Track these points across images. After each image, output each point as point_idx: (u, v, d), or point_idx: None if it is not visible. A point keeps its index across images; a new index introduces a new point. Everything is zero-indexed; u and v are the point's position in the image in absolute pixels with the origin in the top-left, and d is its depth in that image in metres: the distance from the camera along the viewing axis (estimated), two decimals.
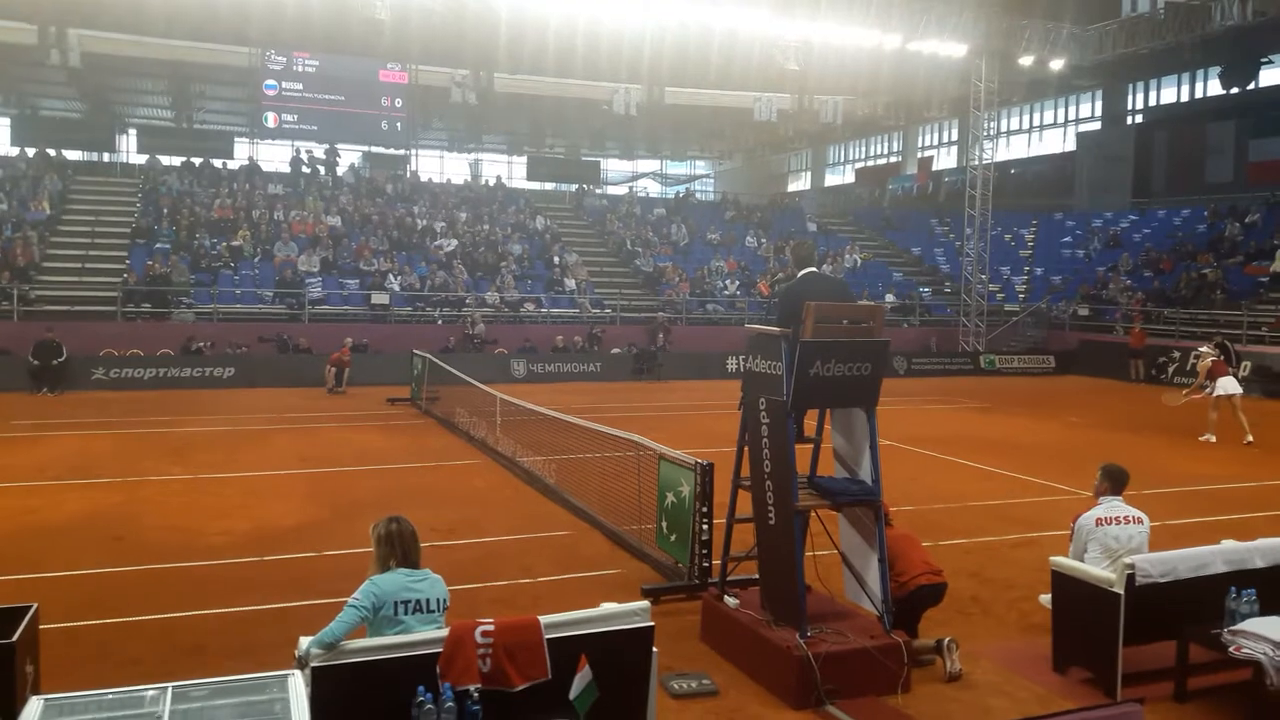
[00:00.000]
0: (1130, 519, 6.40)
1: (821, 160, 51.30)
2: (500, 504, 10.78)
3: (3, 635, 4.53)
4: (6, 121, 33.48)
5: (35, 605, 4.90)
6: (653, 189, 49.60)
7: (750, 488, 6.29)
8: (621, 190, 44.31)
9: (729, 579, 6.54)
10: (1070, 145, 38.04)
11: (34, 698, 3.56)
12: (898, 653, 5.71)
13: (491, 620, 4.48)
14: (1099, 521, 6.36)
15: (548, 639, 4.51)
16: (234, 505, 10.49)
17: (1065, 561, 6.25)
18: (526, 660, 4.48)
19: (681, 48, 29.13)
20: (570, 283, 29.02)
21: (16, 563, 8.14)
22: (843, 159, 50.72)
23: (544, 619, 4.56)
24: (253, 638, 6.49)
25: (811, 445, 6.54)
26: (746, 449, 6.34)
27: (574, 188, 38.88)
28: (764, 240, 34.78)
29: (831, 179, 51.11)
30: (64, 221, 27.41)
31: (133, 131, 35.51)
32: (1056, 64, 29.96)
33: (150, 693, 3.60)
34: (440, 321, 25.87)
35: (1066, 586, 6.09)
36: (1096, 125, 37.22)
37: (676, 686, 5.68)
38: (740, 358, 20.11)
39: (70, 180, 29.90)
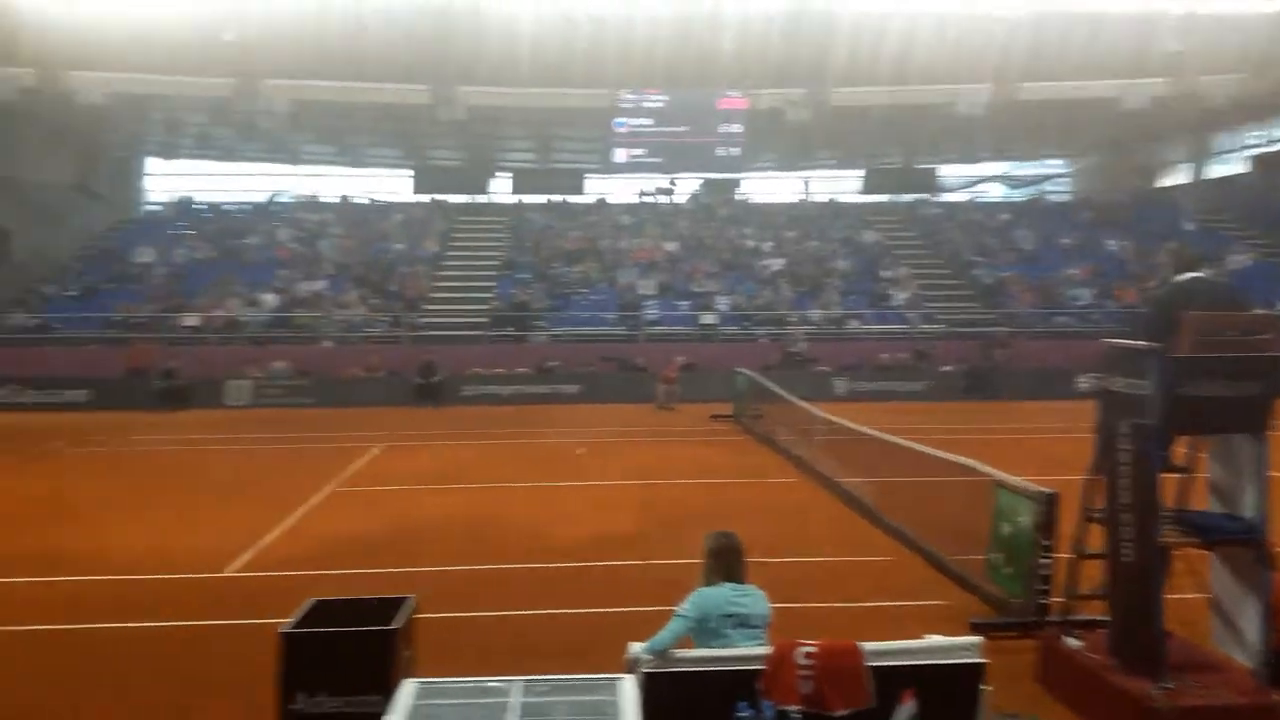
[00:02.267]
0: None
1: (1205, 149, 45.26)
2: (818, 524, 10.70)
3: (387, 622, 5.15)
4: (408, 174, 38.67)
5: (413, 597, 5.52)
6: (998, 192, 46.69)
7: (1103, 520, 5.70)
8: (961, 197, 42.20)
9: (1071, 618, 5.97)
10: None
11: (408, 680, 3.96)
12: (1274, 715, 4.91)
13: (814, 642, 4.43)
14: None
15: (870, 666, 4.39)
16: (577, 512, 11.29)
17: None
18: (848, 686, 4.38)
19: (1037, 38, 27.17)
20: (899, 297, 28.15)
21: (398, 557, 9.34)
22: (1233, 147, 44.46)
23: (866, 646, 4.44)
24: (586, 638, 6.90)
25: (1180, 475, 5.81)
26: (1099, 478, 5.76)
27: (909, 198, 37.69)
28: (1128, 243, 31.48)
29: (1216, 170, 44.96)
30: (447, 257, 31.17)
31: (504, 175, 39.60)
32: None
33: (503, 684, 3.89)
34: (764, 339, 26.18)
35: None
36: None
37: None
38: (1093, 376, 18.34)
39: (453, 221, 33.95)
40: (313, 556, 9.38)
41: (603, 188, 38.19)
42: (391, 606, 5.31)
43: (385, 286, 28.19)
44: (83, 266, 29.17)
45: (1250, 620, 5.29)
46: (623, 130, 33.92)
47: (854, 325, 26.93)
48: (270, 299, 26.90)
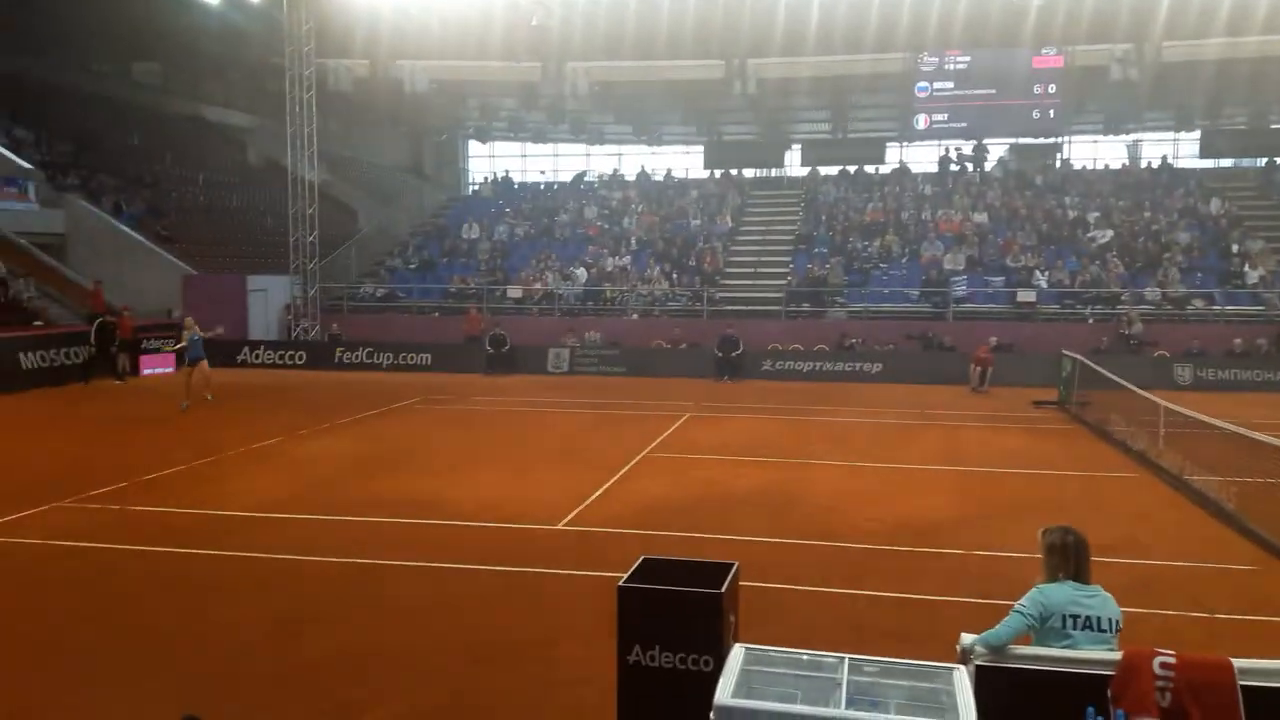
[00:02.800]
0: None
1: None
2: (1164, 524, 9.82)
3: (711, 585, 5.33)
4: (700, 149, 39.46)
5: (737, 564, 5.66)
6: None
7: None
8: None
9: None
10: None
11: (738, 645, 4.09)
12: None
13: (1172, 652, 4.10)
14: None
15: (1242, 685, 3.98)
16: (884, 494, 11.12)
17: None
18: (1215, 704, 4.01)
19: None
20: (1253, 275, 24.84)
21: (708, 523, 9.69)
22: None
23: (1237, 663, 4.03)
24: (904, 623, 6.83)
25: None
26: None
27: (1261, 162, 33.10)
28: None
29: None
30: (741, 232, 31.57)
31: (797, 147, 39.31)
32: None
33: (831, 660, 3.91)
34: (1091, 320, 24.19)
35: None
36: None
37: None
38: None
39: (747, 195, 34.29)
40: (633, 516, 9.94)
41: (904, 156, 36.86)
42: (715, 570, 5.46)
43: (684, 261, 29.01)
44: (418, 242, 32.42)
45: None
46: (924, 95, 32.50)
47: (1197, 306, 24.14)
48: (581, 273, 28.61)
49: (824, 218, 31.34)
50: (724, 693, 3.58)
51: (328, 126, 29.89)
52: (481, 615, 7.16)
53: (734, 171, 36.24)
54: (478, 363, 24.47)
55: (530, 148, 43.50)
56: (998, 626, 4.37)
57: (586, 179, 38.06)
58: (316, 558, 8.46)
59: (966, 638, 4.36)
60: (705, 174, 36.99)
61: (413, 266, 30.59)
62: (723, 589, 5.26)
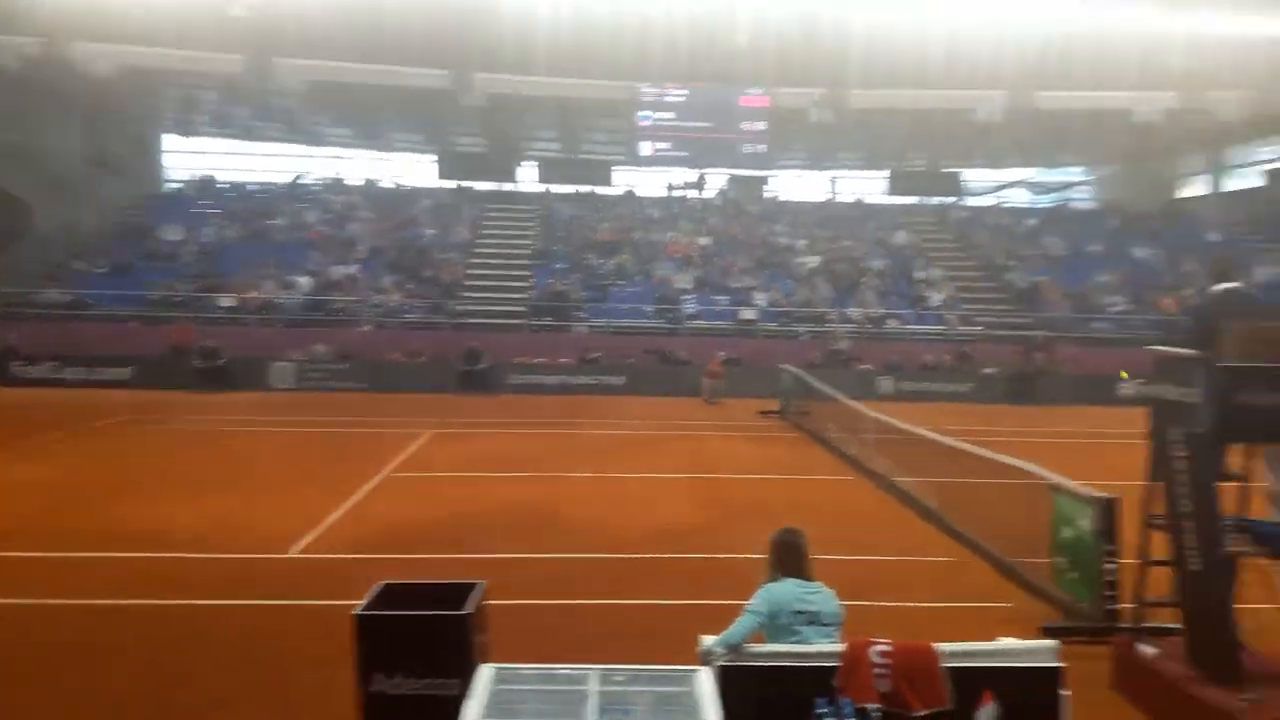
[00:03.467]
0: None
1: (1220, 162, 44.84)
2: (877, 523, 10.72)
3: (457, 606, 5.20)
4: (432, 159, 38.72)
5: (484, 582, 5.58)
6: (1023, 198, 46.32)
7: (1166, 528, 5.71)
8: (987, 201, 41.97)
9: (1143, 625, 5.97)
10: None
11: (485, 665, 4.00)
12: None
13: (888, 641, 4.46)
14: None
15: (944, 667, 4.41)
16: (634, 503, 11.40)
17: None
18: (925, 686, 4.41)
19: (1050, 48, 27.19)
20: (935, 298, 28.02)
21: (457, 543, 9.48)
22: (1248, 160, 43.93)
23: (942, 646, 4.46)
24: (653, 628, 6.97)
25: (1239, 484, 5.81)
26: (1159, 484, 5.77)
27: (935, 201, 37.52)
28: (1156, 251, 31.22)
29: (1234, 184, 44.50)
30: (479, 245, 31.31)
31: (531, 163, 39.64)
32: None
33: (580, 672, 3.92)
34: (805, 337, 26.18)
35: None
36: None
37: None
38: (1139, 382, 18.23)
39: (482, 208, 34.05)
40: (373, 540, 9.51)
41: (631, 180, 38.20)
42: (461, 591, 5.33)
43: (420, 272, 28.35)
44: (111, 243, 29.38)
45: None
46: (647, 123, 33.93)
47: (893, 325, 26.84)
48: (304, 281, 27.12)
49: (561, 234, 31.79)
50: (470, 714, 3.50)
51: None
52: (207, 655, 6.55)
53: (467, 184, 35.81)
54: (185, 377, 22.50)
55: (239, 144, 40.39)
56: (732, 627, 4.55)
57: (303, 182, 36.08)
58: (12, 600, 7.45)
59: (706, 640, 4.51)
60: (437, 184, 36.29)
61: (103, 270, 27.52)
62: (469, 610, 5.14)
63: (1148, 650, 5.80)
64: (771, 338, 26.12)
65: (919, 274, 29.70)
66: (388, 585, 5.41)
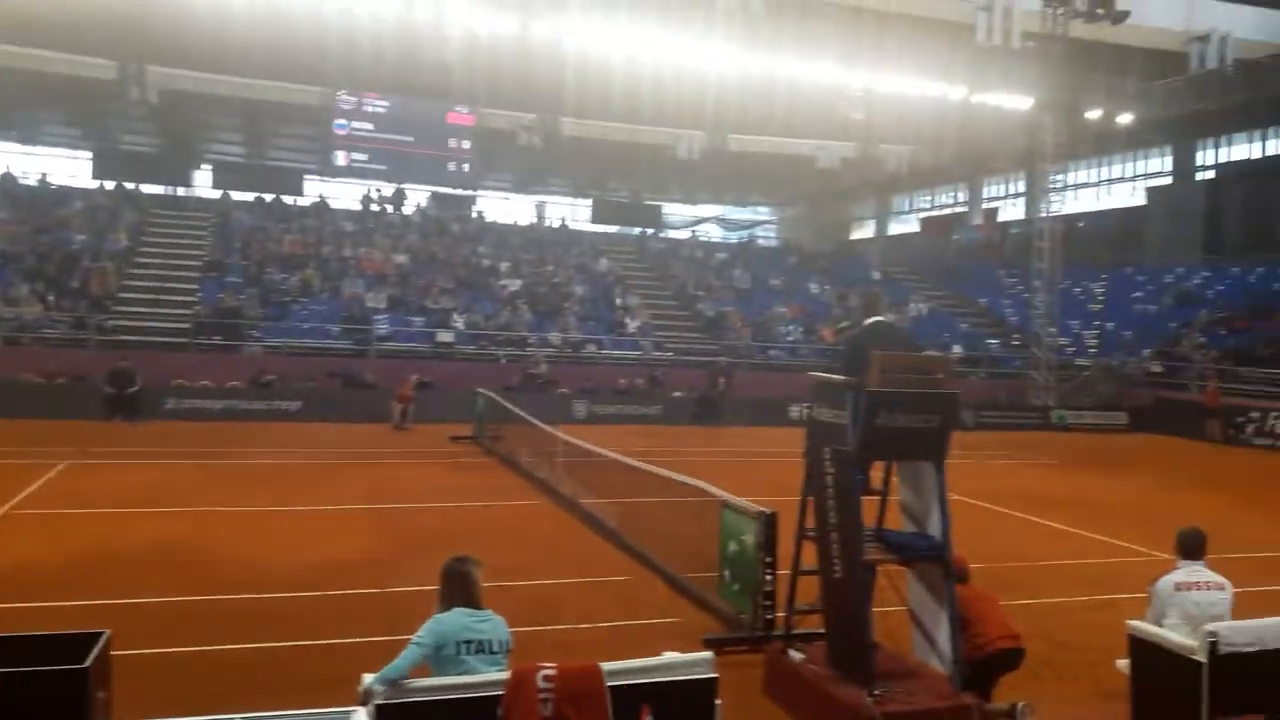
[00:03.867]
0: (1211, 585, 6.05)
1: (886, 209, 51.03)
2: (561, 546, 10.76)
3: (76, 660, 4.58)
4: (88, 155, 34.77)
5: (108, 632, 4.95)
6: (715, 234, 49.76)
7: (815, 539, 6.18)
8: (683, 234, 44.61)
9: (794, 632, 6.40)
10: (1139, 199, 37.26)
11: None
12: (968, 715, 5.51)
13: (554, 665, 4.41)
14: (1178, 586, 6.03)
15: (609, 686, 4.43)
16: (301, 539, 10.64)
17: (1144, 627, 5.94)
18: (589, 707, 4.39)
19: (745, 95, 29.40)
20: (632, 324, 29.15)
21: (90, 588, 8.34)
22: (908, 208, 50.40)
23: (606, 666, 4.48)
24: (318, 671, 6.50)
25: (878, 498, 6.42)
26: (811, 499, 6.24)
27: (637, 231, 39.24)
28: (827, 287, 34.60)
29: (896, 228, 50.77)
30: (140, 253, 28.34)
31: (208, 167, 36.71)
32: (1124, 119, 29.61)
33: None
34: (504, 360, 26.14)
35: (1146, 653, 5.79)
36: (1167, 180, 36.47)
37: None
38: (804, 405, 19.93)
39: (147, 213, 30.94)
40: None
41: (323, 191, 36.51)
42: (82, 642, 4.75)
43: (65, 282, 25.18)
44: None
45: (943, 631, 5.90)
46: (344, 133, 32.80)
47: (591, 350, 27.51)
48: None
49: (238, 245, 29.59)
50: None
51: None
52: None
53: (130, 185, 32.47)
54: None
55: None
56: (394, 661, 4.33)
57: None
58: None
59: (367, 678, 4.25)
60: (94, 184, 32.58)
61: None
62: (87, 663, 4.57)
63: (795, 655, 6.21)
64: (469, 361, 25.81)
65: (618, 301, 30.74)
66: None
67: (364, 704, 4.14)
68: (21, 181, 31.77)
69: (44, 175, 32.94)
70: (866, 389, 5.67)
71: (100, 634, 4.89)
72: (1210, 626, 5.47)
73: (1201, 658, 5.33)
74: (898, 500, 6.45)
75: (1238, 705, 5.43)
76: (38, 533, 10.37)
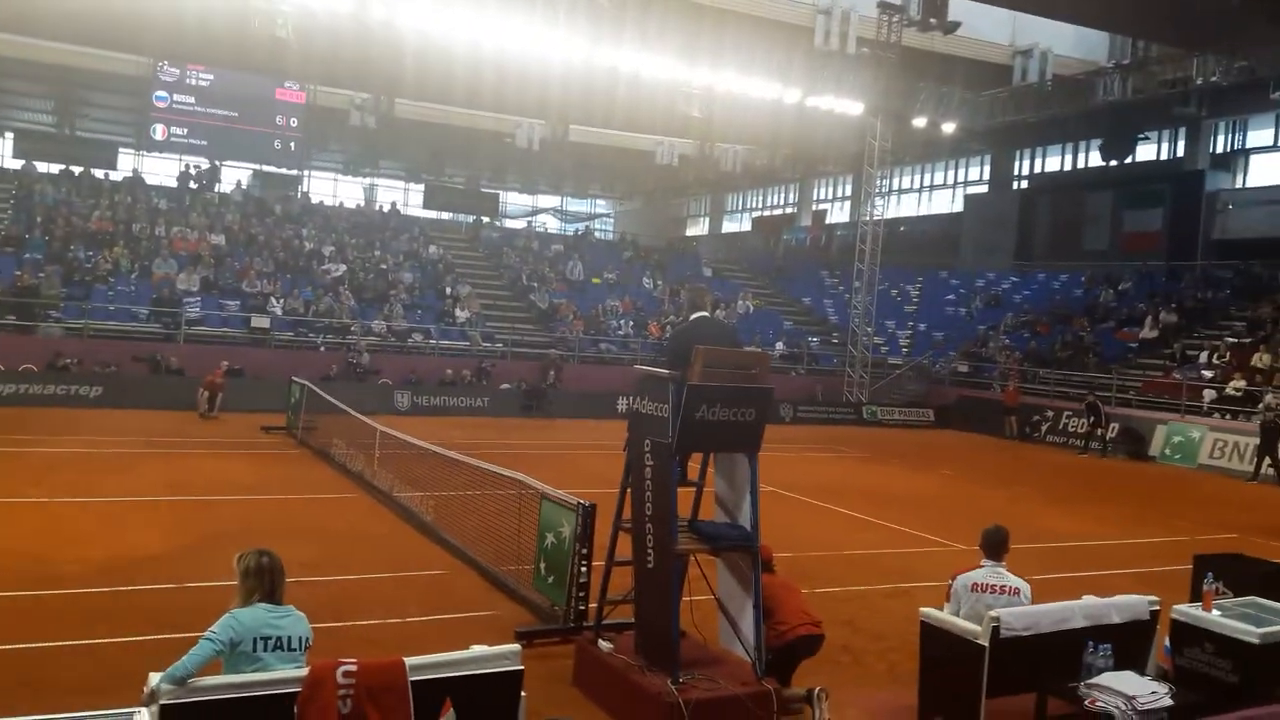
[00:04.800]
0: (1008, 589, 6.24)
1: (720, 207, 52.41)
2: (373, 540, 10.50)
3: None
4: None
5: None
6: (552, 225, 49.69)
7: (631, 530, 6.27)
8: (520, 224, 44.29)
9: (605, 623, 6.48)
10: (958, 206, 39.49)
11: None
12: (768, 700, 5.73)
13: (354, 660, 4.32)
14: (974, 587, 6.27)
15: (412, 681, 4.36)
16: (91, 532, 9.98)
17: (934, 613, 6.30)
18: (389, 703, 4.32)
19: (588, 87, 29.38)
20: (462, 314, 28.69)
21: None
22: (741, 207, 51.90)
23: (409, 660, 4.41)
24: (103, 672, 6.14)
25: (694, 489, 6.58)
26: (630, 490, 6.33)
27: (471, 219, 38.67)
28: (660, 282, 35.18)
29: (729, 226, 52.21)
30: None
31: (9, 135, 33.76)
32: (948, 127, 31.38)
33: None
34: (323, 348, 25.17)
35: (934, 638, 6.20)
36: (984, 188, 38.70)
37: None
38: (629, 398, 20.21)
39: None
40: None
41: (140, 165, 34.30)
42: None
43: None
44: None
45: (747, 619, 6.11)
46: (164, 105, 30.87)
47: (417, 339, 26.87)
48: None
49: (40, 220, 27.31)
50: None
51: None
52: None
53: None
54: None
55: None
56: (182, 658, 4.12)
57: None
58: None
59: (154, 677, 4.04)
60: None
61: None
62: None
63: (604, 645, 6.29)
64: (286, 348, 24.68)
65: (448, 289, 30.17)
66: None
67: (148, 704, 3.96)
68: None
69: None
70: (687, 383, 5.78)
71: None
72: (994, 612, 5.88)
73: (984, 641, 5.76)
74: (713, 491, 6.62)
75: (1014, 685, 5.91)
76: None
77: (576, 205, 55.53)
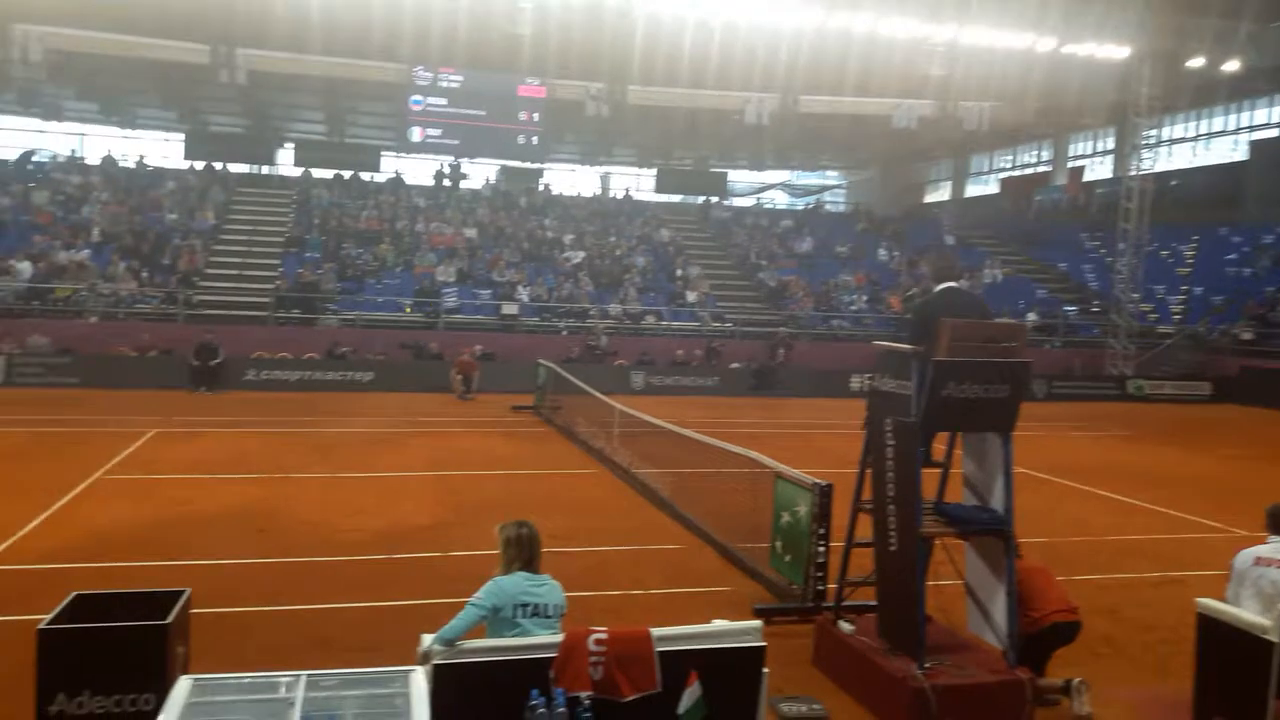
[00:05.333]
0: None
1: (964, 170, 49.57)
2: (615, 514, 10.92)
3: (158, 617, 4.85)
4: (181, 137, 35.94)
5: (188, 590, 5.22)
6: (781, 200, 49.13)
7: (871, 511, 6.15)
8: (748, 202, 44.12)
9: (844, 604, 6.42)
10: (1241, 154, 35.13)
11: (183, 677, 3.74)
12: (1020, 690, 5.49)
13: (605, 629, 4.51)
14: (1258, 560, 5.75)
15: (658, 651, 4.51)
16: (368, 504, 10.99)
17: (1213, 604, 5.77)
18: (637, 671, 4.49)
19: (819, 54, 28.74)
20: (692, 296, 29.11)
21: (171, 549, 8.76)
22: (986, 169, 48.90)
23: (655, 631, 4.56)
24: (379, 632, 6.76)
25: (939, 470, 6.36)
26: (869, 471, 6.21)
27: (700, 200, 39.02)
28: (897, 254, 34.00)
29: (973, 190, 49.28)
30: (226, 230, 29.24)
31: (290, 145, 37.59)
32: (1230, 66, 28.01)
33: (286, 679, 3.73)
34: (565, 332, 26.37)
35: (1214, 631, 5.66)
36: (1274, 132, 34.24)
37: (786, 709, 5.62)
38: (866, 376, 19.70)
39: (233, 192, 31.91)
40: (78, 549, 8.66)
41: (400, 166, 37.21)
42: (163, 600, 5.04)
43: (157, 259, 26.17)
44: None
45: (999, 605, 5.85)
46: (418, 108, 33.12)
47: (650, 321, 27.57)
48: (25, 267, 24.32)
49: (317, 221, 30.33)
50: None
51: None
52: None
53: (218, 165, 33.53)
54: None
55: None
56: (452, 621, 4.47)
57: (36, 159, 32.63)
58: None
59: (426, 638, 4.39)
60: (185, 165, 33.79)
61: None
62: (168, 620, 4.82)
63: (845, 626, 6.24)
64: (532, 333, 26.10)
65: (678, 271, 30.71)
66: (80, 596, 5.05)
67: (423, 664, 4.26)
68: (121, 164, 33.03)
69: (141, 157, 34.19)
70: (934, 358, 5.58)
71: (181, 592, 5.17)
72: None
73: (1274, 637, 5.21)
74: (961, 473, 6.37)
75: None
76: (126, 496, 10.88)
77: (806, 179, 54.55)
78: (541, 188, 37.46)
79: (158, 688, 4.28)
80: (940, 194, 51.15)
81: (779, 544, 7.93)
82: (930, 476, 6.12)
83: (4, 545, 8.69)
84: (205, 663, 5.23)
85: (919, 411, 5.62)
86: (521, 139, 34.92)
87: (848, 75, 30.59)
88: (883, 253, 34.30)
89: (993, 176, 47.87)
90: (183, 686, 3.63)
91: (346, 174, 34.66)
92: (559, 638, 4.50)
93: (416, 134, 33.73)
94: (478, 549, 8.39)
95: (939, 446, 6.32)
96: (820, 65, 30.03)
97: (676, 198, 39.87)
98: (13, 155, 32.84)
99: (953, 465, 6.47)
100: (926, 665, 5.55)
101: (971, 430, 6.09)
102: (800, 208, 43.34)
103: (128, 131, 38.74)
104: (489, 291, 27.37)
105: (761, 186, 50.76)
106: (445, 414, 19.28)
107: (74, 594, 4.91)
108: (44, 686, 4.47)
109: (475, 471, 13.25)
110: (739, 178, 48.18)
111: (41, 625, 4.42)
